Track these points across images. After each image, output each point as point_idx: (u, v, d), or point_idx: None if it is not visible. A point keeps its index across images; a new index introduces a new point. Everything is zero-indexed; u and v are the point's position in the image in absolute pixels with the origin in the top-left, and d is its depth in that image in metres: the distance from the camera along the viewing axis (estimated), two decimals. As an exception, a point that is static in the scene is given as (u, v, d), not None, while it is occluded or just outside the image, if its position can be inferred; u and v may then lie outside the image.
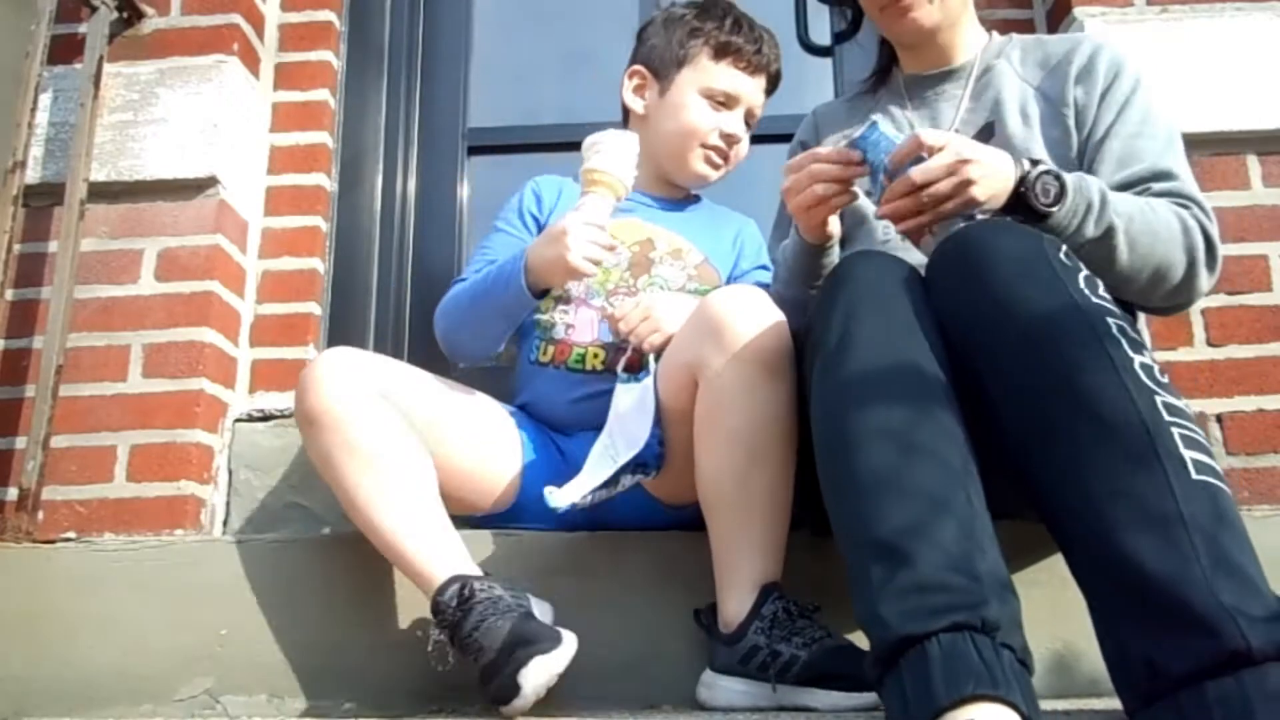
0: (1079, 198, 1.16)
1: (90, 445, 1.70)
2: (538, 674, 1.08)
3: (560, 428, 1.51)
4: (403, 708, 1.27)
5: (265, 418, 1.81)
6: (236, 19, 1.90)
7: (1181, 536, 0.86)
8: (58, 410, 1.65)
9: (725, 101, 1.58)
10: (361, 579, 1.34)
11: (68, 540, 1.60)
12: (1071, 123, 1.35)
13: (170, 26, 1.90)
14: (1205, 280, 1.27)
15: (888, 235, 1.38)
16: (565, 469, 1.41)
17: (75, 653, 1.38)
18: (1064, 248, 1.07)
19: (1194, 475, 0.90)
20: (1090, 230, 1.17)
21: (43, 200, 1.78)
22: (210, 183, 1.81)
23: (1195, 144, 1.74)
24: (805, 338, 1.15)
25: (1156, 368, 0.98)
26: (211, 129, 1.82)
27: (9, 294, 1.71)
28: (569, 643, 1.12)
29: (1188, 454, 0.91)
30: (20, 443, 1.67)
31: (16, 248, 1.69)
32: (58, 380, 1.66)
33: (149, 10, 1.90)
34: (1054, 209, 1.15)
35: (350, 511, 1.26)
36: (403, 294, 2.07)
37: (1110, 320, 0.99)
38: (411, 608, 1.33)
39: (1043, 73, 1.41)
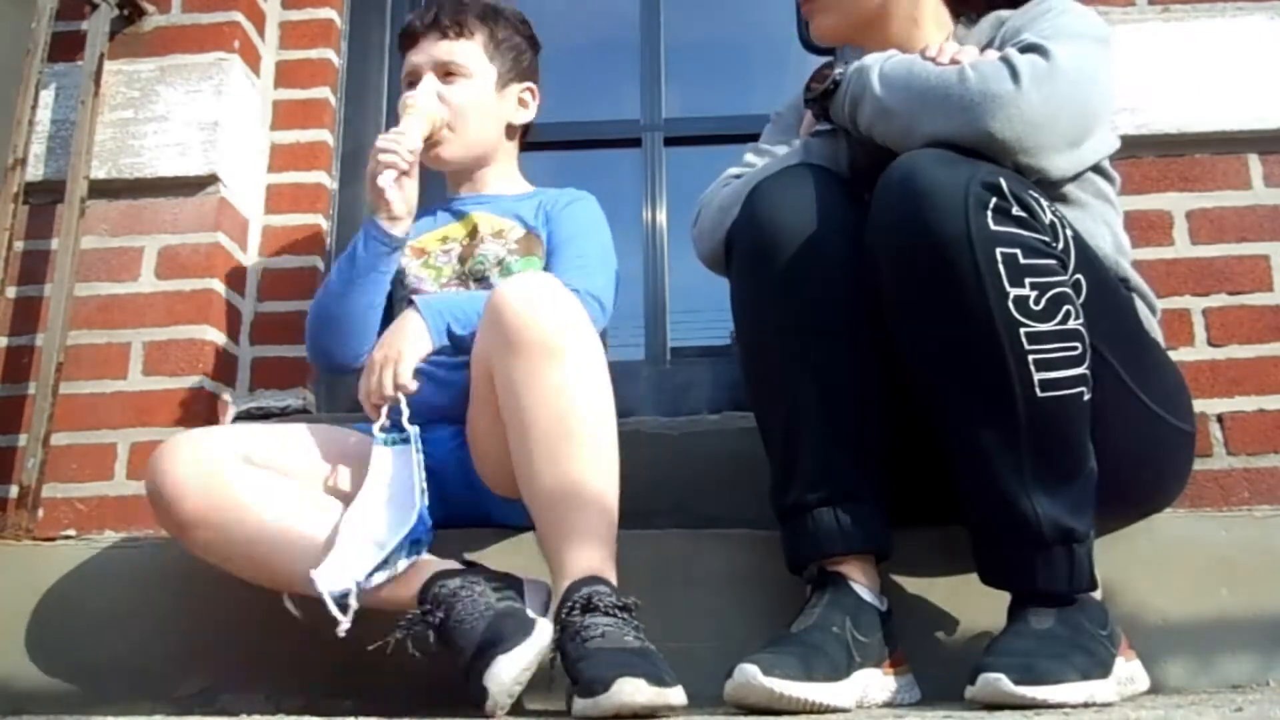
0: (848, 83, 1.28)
1: (91, 443, 1.71)
2: (504, 672, 1.06)
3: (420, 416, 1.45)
4: (402, 706, 1.27)
5: (265, 415, 1.81)
6: (237, 16, 1.91)
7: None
8: (58, 408, 1.66)
9: (411, 76, 1.64)
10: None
11: (68, 538, 1.61)
12: None
13: (171, 24, 1.90)
14: (1004, 89, 1.15)
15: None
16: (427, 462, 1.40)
17: (75, 650, 1.38)
18: (1001, 178, 1.10)
19: (1038, 394, 1.08)
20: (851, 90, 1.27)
21: (43, 198, 1.78)
22: (211, 180, 1.82)
23: (1196, 144, 1.75)
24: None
25: (1033, 296, 1.08)
26: (212, 127, 1.82)
27: (10, 291, 1.71)
28: (539, 634, 1.09)
29: (1038, 375, 1.08)
30: (21, 440, 1.67)
31: (17, 245, 1.69)
32: (58, 378, 1.66)
33: (150, 8, 1.90)
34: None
35: (289, 586, 1.23)
36: (403, 292, 2.07)
37: (1000, 250, 1.07)
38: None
39: (992, 35, 1.36)
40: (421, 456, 1.26)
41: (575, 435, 1.18)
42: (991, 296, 1.07)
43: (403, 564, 1.19)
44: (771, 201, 1.25)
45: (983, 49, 1.27)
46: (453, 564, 1.21)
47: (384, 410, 1.31)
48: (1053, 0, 1.34)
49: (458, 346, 1.39)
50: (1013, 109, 1.15)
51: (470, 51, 1.64)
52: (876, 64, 1.26)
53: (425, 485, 1.22)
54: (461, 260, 1.57)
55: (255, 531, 1.23)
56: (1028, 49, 1.19)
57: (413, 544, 1.19)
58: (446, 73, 1.62)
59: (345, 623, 1.12)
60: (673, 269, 2.10)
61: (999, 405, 1.09)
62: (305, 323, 1.54)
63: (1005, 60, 1.18)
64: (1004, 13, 1.41)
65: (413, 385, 1.32)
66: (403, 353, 1.34)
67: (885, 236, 1.15)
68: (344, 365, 1.54)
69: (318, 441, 1.38)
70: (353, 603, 1.13)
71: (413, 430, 1.28)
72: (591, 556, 1.14)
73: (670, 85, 2.19)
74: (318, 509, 1.27)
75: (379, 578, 1.17)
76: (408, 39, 1.66)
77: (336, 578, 1.15)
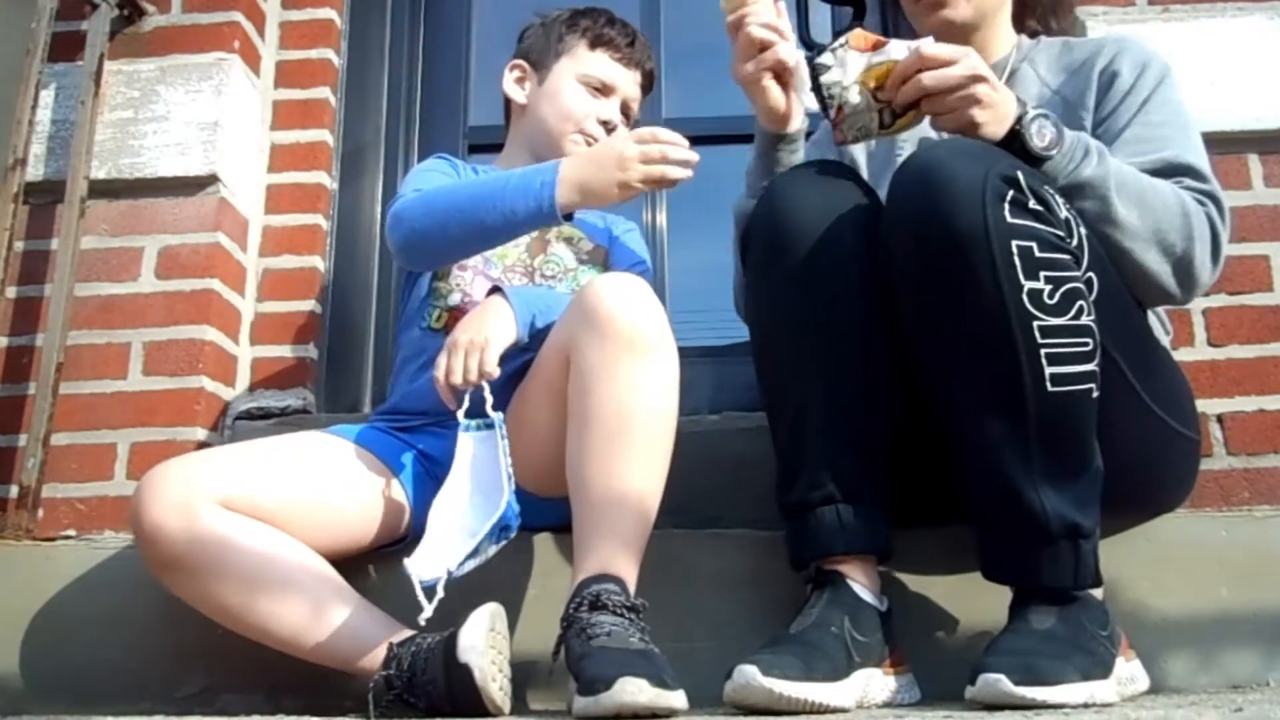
0: (1077, 145, 1.20)
1: (90, 443, 1.70)
2: (471, 633, 1.11)
3: (433, 409, 1.44)
4: (402, 707, 1.27)
5: (265, 415, 1.81)
6: (237, 17, 1.91)
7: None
8: (58, 408, 1.66)
9: (601, 89, 1.64)
10: (359, 578, 1.34)
11: (68, 538, 1.62)
12: (1089, 124, 1.36)
13: (171, 24, 1.90)
14: (1207, 269, 1.27)
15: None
16: (432, 466, 1.42)
17: (74, 650, 1.38)
18: (1019, 172, 1.10)
19: (1049, 388, 1.08)
20: (1086, 172, 1.19)
21: (43, 198, 1.78)
22: (211, 180, 1.82)
23: (1196, 144, 1.75)
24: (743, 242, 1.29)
25: (1047, 290, 1.08)
26: (212, 127, 1.82)
27: (10, 291, 1.72)
28: (485, 607, 1.14)
29: (1049, 369, 1.08)
30: (21, 440, 1.67)
31: (18, 245, 1.69)
32: (58, 378, 1.66)
33: (150, 8, 1.90)
34: (1050, 152, 1.19)
35: (262, 638, 1.23)
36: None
37: (1016, 243, 1.07)
38: (410, 607, 1.33)
39: (1065, 76, 1.41)
40: (507, 443, 1.25)
41: (633, 433, 1.19)
42: (1006, 289, 1.07)
43: (492, 550, 1.20)
44: (786, 197, 1.25)
45: (1058, 76, 1.38)
46: (393, 633, 1.23)
47: (465, 396, 1.30)
48: (1143, 54, 1.38)
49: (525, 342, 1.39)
50: (1201, 288, 1.29)
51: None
52: (1111, 174, 1.21)
53: (511, 471, 1.22)
54: (529, 252, 1.57)
55: (232, 583, 1.20)
56: (1207, 198, 1.27)
57: (501, 530, 1.19)
58: (625, 111, 1.66)
59: (428, 611, 1.12)
60: (673, 269, 2.10)
61: (1009, 398, 1.09)
62: (407, 217, 1.42)
63: (1214, 235, 1.26)
64: (1071, 40, 1.47)
65: (497, 371, 1.30)
66: (489, 339, 1.31)
67: (902, 226, 1.14)
68: (437, 253, 1.46)
69: (307, 473, 1.33)
70: (440, 591, 1.13)
71: (496, 416, 1.28)
72: (613, 555, 1.15)
73: (670, 85, 2.19)
74: (298, 567, 1.24)
75: (469, 565, 1.17)
76: (620, 53, 1.65)
77: (428, 566, 1.15)
